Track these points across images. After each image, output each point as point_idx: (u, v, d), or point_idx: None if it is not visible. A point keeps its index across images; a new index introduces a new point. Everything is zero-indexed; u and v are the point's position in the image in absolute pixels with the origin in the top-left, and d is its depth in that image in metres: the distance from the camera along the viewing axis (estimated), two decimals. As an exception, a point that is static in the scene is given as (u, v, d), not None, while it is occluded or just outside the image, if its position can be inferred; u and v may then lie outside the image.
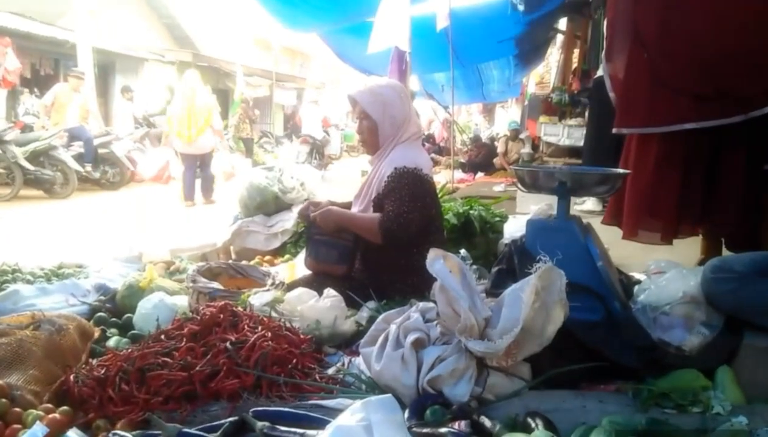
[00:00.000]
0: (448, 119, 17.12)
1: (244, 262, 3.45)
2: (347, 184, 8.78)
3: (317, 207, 2.45)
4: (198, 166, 7.46)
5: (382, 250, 2.34)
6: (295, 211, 4.08)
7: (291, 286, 2.40)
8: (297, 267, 2.97)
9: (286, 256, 3.70)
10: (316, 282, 2.36)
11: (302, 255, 2.73)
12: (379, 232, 2.27)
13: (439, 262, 1.64)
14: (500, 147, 10.64)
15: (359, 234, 2.39)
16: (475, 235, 3.23)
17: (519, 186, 2.14)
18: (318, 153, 12.85)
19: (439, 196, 3.63)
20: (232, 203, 4.38)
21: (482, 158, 10.97)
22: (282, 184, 4.12)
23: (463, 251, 2.72)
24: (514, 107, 18.62)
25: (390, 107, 2.37)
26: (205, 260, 3.57)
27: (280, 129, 19.37)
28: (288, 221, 3.99)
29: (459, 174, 10.11)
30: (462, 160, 12.00)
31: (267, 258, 3.65)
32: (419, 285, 2.27)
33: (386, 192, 2.31)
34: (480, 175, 10.19)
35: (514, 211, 4.39)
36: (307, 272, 2.54)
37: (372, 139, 2.43)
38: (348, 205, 2.58)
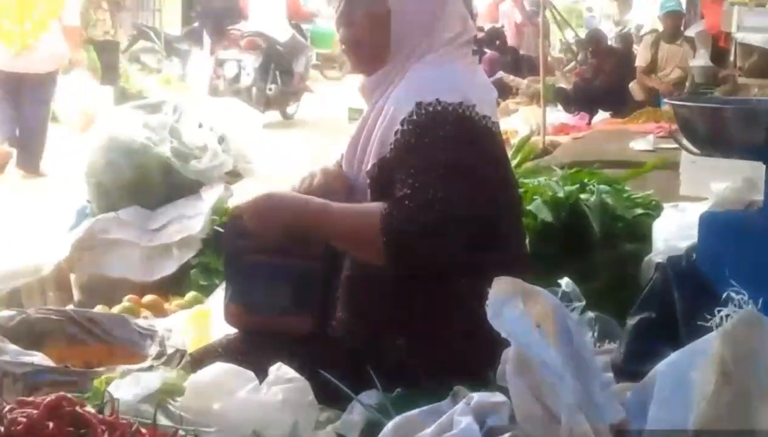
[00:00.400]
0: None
1: (99, 308, 3.40)
2: (328, 137, 8.82)
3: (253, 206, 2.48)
4: (21, 99, 7.70)
5: (387, 280, 2.35)
6: (208, 197, 4.10)
7: (200, 359, 2.45)
8: (213, 318, 2.99)
9: (190, 294, 3.75)
10: (253, 348, 2.40)
11: (221, 294, 2.76)
12: (381, 241, 2.28)
13: (511, 306, 1.65)
14: (642, 55, 10.68)
15: (340, 245, 2.40)
16: (591, 246, 3.27)
17: (683, 141, 2.13)
18: (281, 71, 13.04)
19: (514, 163, 3.58)
20: (76, 182, 4.46)
21: (605, 80, 10.99)
22: (180, 140, 4.19)
23: (566, 281, 2.74)
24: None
25: None
26: (16, 305, 3.61)
27: (177, 21, 19.61)
28: (193, 220, 4.04)
29: (558, 115, 10.11)
30: (564, 85, 12.00)
31: (149, 298, 3.69)
32: (469, 356, 2.30)
33: (399, 155, 2.33)
34: (602, 116, 10.19)
35: (673, 194, 4.38)
36: (233, 329, 2.57)
37: (373, 39, 2.46)
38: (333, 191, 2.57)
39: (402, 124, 2.31)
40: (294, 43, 13.41)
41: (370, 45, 2.47)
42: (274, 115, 13.01)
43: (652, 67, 10.41)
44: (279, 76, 12.89)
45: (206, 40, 15.23)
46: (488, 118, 2.37)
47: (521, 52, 15.70)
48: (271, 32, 13.13)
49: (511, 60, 14.99)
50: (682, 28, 10.64)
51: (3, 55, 7.63)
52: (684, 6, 11.29)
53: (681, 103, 2.09)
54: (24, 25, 7.48)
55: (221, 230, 2.64)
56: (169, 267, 4.01)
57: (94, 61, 11.80)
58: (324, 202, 2.43)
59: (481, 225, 2.32)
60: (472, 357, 2.27)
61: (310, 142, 9.45)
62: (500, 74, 13.00)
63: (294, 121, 13.33)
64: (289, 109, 13.55)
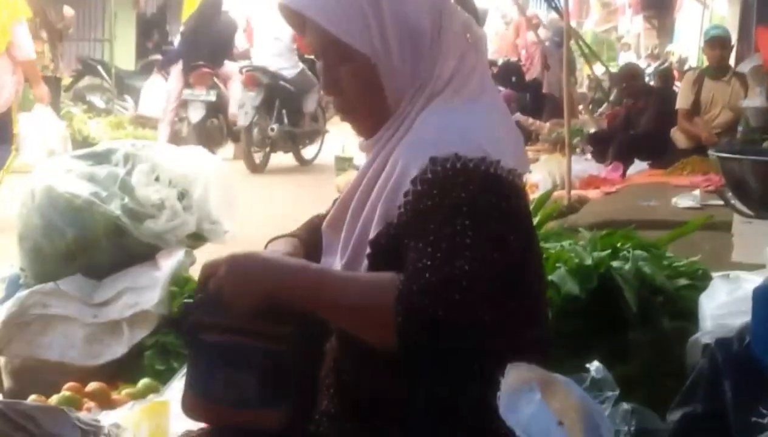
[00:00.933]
0: (553, 26, 17.43)
1: (33, 397, 3.40)
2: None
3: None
4: None
5: (386, 364, 2.33)
6: (166, 264, 4.10)
7: None
8: (171, 410, 3.01)
9: (144, 382, 3.75)
10: None
11: (181, 381, 2.76)
12: (396, 321, 2.26)
13: (528, 399, 1.68)
14: (683, 94, 10.66)
15: (339, 322, 2.39)
16: (625, 324, 3.27)
17: (733, 201, 2.16)
18: (288, 110, 13.39)
19: (534, 223, 3.61)
20: (10, 243, 4.48)
21: (642, 124, 11.02)
22: (132, 196, 4.20)
23: (595, 366, 2.75)
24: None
25: (395, 4, 2.40)
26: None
27: (130, 54, 19.93)
28: (148, 292, 4.05)
29: (586, 165, 10.14)
30: (593, 130, 12.06)
31: (93, 386, 3.66)
32: None
33: (412, 220, 2.31)
34: (639, 167, 10.23)
35: (724, 261, 4.41)
36: (194, 424, 2.56)
37: (367, 102, 2.46)
38: (310, 240, 2.64)
39: (414, 184, 2.29)
40: (303, 79, 13.62)
41: (366, 108, 2.47)
42: (287, 159, 13.61)
43: (695, 110, 10.34)
44: (286, 116, 13.25)
45: (174, 74, 15.19)
46: (514, 171, 2.35)
47: (543, 90, 15.84)
48: (276, 67, 13.54)
49: (530, 99, 15.09)
50: (731, 62, 10.64)
51: None
52: (734, 37, 11.30)
53: (730, 155, 2.09)
54: None
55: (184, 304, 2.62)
56: (118, 349, 4.00)
57: (29, 100, 11.86)
58: (321, 267, 2.43)
59: (508, 301, 2.31)
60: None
61: (313, 192, 9.50)
62: (517, 116, 13.09)
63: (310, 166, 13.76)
64: (305, 152, 14.01)
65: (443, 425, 2.34)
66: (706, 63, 10.99)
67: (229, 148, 14.35)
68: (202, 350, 2.48)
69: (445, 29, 2.43)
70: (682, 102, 10.42)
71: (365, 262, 2.36)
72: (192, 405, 2.50)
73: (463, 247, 2.20)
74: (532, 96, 15.47)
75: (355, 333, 2.36)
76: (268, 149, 13.36)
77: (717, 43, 10.58)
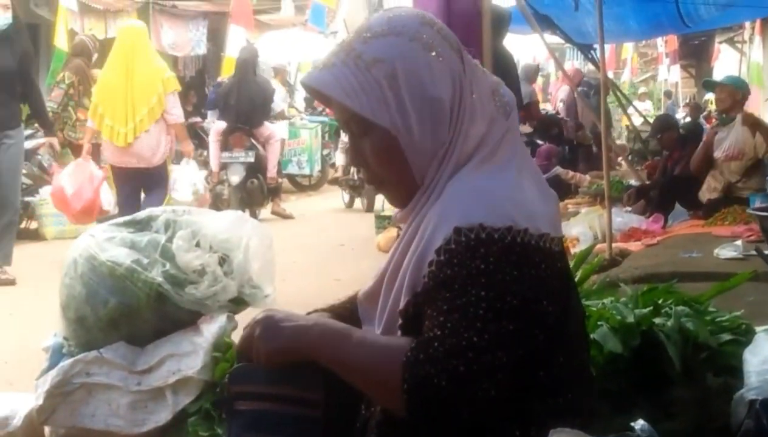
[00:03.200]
0: (588, 76, 17.38)
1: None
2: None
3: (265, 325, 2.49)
4: (140, 188, 10.97)
5: (409, 431, 2.32)
6: (208, 330, 4.10)
7: None
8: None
9: (188, 449, 3.75)
10: None
11: None
12: (402, 388, 2.26)
13: None
14: (704, 144, 10.55)
15: (354, 383, 2.39)
16: (669, 381, 3.25)
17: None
18: None
19: (578, 278, 3.59)
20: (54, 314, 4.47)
21: (681, 174, 10.95)
22: (173, 263, 4.20)
23: (640, 424, 2.69)
24: (760, 43, 18.76)
25: (414, 77, 2.40)
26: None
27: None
28: (191, 358, 4.04)
29: (627, 217, 10.10)
30: (634, 182, 12.00)
31: (138, 455, 3.67)
32: None
33: (432, 289, 2.31)
34: (680, 215, 10.18)
35: (768, 312, 4.36)
36: None
37: (393, 174, 2.48)
38: (346, 313, 2.64)
39: (438, 254, 2.29)
40: None
41: (393, 179, 2.49)
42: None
43: (709, 160, 10.33)
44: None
45: (212, 137, 15.42)
46: (546, 236, 2.35)
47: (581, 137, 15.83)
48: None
49: (569, 151, 15.07)
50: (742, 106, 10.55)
51: (112, 152, 10.91)
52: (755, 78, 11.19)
53: (764, 214, 2.08)
54: (128, 126, 10.49)
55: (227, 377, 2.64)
56: (162, 416, 3.99)
57: (69, 158, 12.28)
58: (343, 327, 2.43)
59: (529, 371, 2.30)
60: None
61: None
62: (557, 170, 13.06)
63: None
64: None
65: None
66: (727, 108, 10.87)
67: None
68: (235, 419, 2.50)
69: (468, 96, 2.43)
70: (701, 149, 10.42)
71: (398, 333, 2.37)
72: None
73: (474, 319, 2.20)
74: (571, 148, 15.43)
75: (370, 396, 2.37)
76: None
77: (719, 89, 10.75)
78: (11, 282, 9.80)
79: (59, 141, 11.08)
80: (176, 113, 10.94)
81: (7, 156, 10.16)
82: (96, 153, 11.98)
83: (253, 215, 13.78)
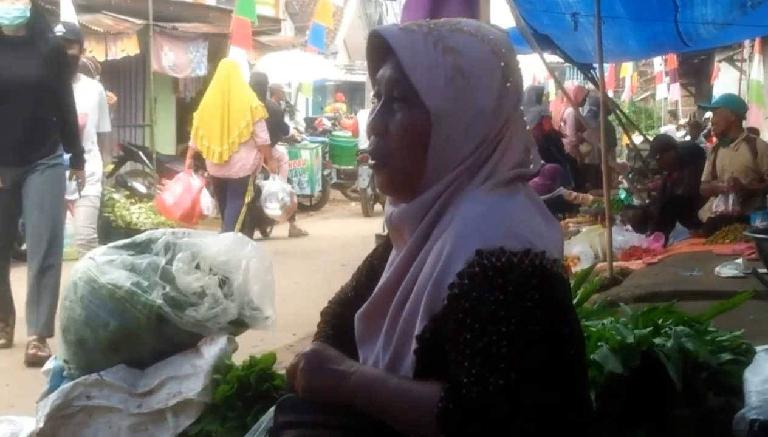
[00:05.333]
0: (591, 97, 17.45)
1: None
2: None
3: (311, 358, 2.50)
4: (227, 196, 12.86)
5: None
6: (208, 352, 4.10)
7: None
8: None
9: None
10: None
11: None
12: (439, 434, 2.25)
13: None
14: (705, 167, 10.53)
15: (394, 425, 2.37)
16: (669, 402, 3.24)
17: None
18: None
19: (575, 300, 3.59)
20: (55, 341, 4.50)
21: (680, 192, 10.95)
22: (173, 285, 4.21)
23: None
24: (759, 61, 18.79)
25: (478, 84, 2.41)
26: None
27: (170, 137, 20.30)
28: (191, 380, 4.05)
29: (627, 235, 10.10)
30: (635, 201, 11.99)
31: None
32: None
33: (454, 318, 2.29)
34: (680, 234, 10.17)
35: (768, 330, 4.35)
36: None
37: (407, 149, 2.45)
38: (329, 341, 2.66)
39: (460, 277, 2.27)
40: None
41: (402, 159, 2.45)
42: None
43: (712, 177, 10.33)
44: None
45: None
46: (558, 261, 2.35)
47: (586, 160, 15.85)
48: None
49: (571, 170, 15.08)
50: (742, 128, 10.55)
51: (210, 166, 12.82)
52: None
53: (764, 236, 2.08)
54: (222, 146, 12.48)
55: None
56: (161, 440, 3.98)
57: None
58: (379, 375, 2.42)
59: (555, 397, 2.29)
60: None
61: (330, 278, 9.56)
62: (560, 191, 13.07)
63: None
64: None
65: None
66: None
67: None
68: None
69: (507, 134, 2.44)
70: (704, 175, 10.41)
71: (412, 357, 2.34)
72: None
73: (498, 359, 2.19)
74: (572, 167, 15.46)
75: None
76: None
77: (717, 111, 10.68)
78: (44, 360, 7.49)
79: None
80: (263, 136, 12.82)
81: (42, 181, 8.00)
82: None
83: (264, 235, 15.88)
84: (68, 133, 8.21)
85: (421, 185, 2.43)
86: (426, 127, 2.40)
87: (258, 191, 14.41)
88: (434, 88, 2.38)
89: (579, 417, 2.37)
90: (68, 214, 9.61)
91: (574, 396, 2.36)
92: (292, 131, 18.30)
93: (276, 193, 14.63)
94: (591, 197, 12.94)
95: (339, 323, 2.77)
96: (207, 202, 13.84)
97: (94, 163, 9.72)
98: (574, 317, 2.43)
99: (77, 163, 8.41)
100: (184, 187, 13.62)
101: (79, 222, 9.69)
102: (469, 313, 2.24)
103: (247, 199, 13.15)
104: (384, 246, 2.72)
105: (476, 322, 2.23)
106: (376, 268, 2.70)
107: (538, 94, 16.69)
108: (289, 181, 18.63)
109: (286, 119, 18.11)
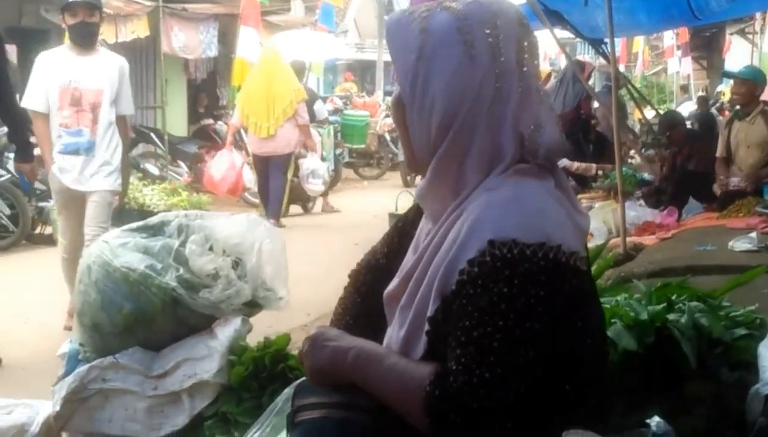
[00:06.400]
0: (602, 72, 17.23)
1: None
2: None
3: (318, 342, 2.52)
4: (269, 172, 14.16)
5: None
6: (223, 333, 4.13)
7: None
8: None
9: (206, 453, 3.76)
10: None
11: None
12: (426, 417, 2.26)
13: None
14: (720, 140, 10.51)
15: (387, 405, 2.38)
16: (684, 378, 3.25)
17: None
18: None
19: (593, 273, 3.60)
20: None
21: (691, 167, 10.89)
22: (186, 267, 4.22)
23: (656, 421, 2.75)
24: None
25: (439, 65, 2.38)
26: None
27: (182, 119, 20.29)
28: (206, 361, 4.07)
29: (641, 210, 10.07)
30: (647, 177, 11.95)
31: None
32: None
33: (458, 303, 2.30)
34: (694, 208, 10.13)
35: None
36: None
37: (401, 137, 2.52)
38: (347, 328, 2.67)
39: (471, 264, 2.28)
40: None
41: (402, 140, 2.50)
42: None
43: (729, 155, 10.27)
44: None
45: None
46: (576, 254, 2.32)
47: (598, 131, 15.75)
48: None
49: (584, 143, 14.97)
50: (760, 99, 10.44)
51: (255, 142, 14.15)
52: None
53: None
54: (269, 121, 13.82)
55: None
56: (179, 420, 4.03)
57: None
58: (377, 351, 2.43)
59: (551, 392, 2.28)
60: None
61: (341, 255, 9.56)
62: (564, 162, 12.98)
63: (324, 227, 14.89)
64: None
65: None
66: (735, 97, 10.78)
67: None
68: (295, 430, 2.52)
69: (508, 103, 2.39)
70: (719, 149, 10.34)
71: (424, 339, 2.36)
72: None
73: (489, 352, 2.19)
74: (585, 140, 15.35)
75: (400, 415, 2.34)
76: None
77: (738, 82, 10.57)
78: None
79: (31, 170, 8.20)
80: (304, 116, 14.30)
81: None
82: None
83: (306, 210, 16.67)
84: (8, 121, 7.83)
85: (422, 166, 2.46)
86: (403, 108, 2.45)
87: (296, 169, 15.30)
88: (404, 70, 2.41)
89: (595, 396, 2.37)
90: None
91: (575, 390, 2.35)
92: (325, 114, 18.44)
93: (317, 169, 15.57)
94: (594, 166, 12.83)
95: (367, 290, 2.81)
96: (249, 177, 15.15)
97: (108, 150, 8.11)
98: (588, 310, 2.40)
99: (23, 155, 7.91)
100: (229, 164, 15.03)
101: (86, 220, 8.03)
102: (471, 301, 2.24)
103: (290, 175, 14.58)
104: (415, 211, 2.73)
105: (476, 311, 2.23)
106: (406, 234, 2.72)
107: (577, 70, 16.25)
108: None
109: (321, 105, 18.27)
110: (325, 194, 16.60)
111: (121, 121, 8.27)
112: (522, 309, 2.22)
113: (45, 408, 4.21)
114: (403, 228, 2.79)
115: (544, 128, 2.41)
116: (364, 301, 2.81)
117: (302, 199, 16.39)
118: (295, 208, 16.08)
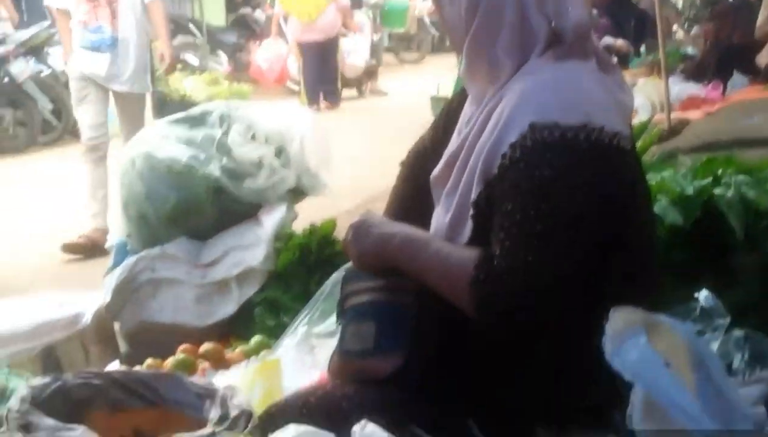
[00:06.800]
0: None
1: (149, 361, 3.46)
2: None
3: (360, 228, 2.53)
4: (317, 58, 14.83)
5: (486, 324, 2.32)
6: (268, 221, 4.15)
7: (270, 420, 2.47)
8: (282, 368, 3.04)
9: (256, 339, 3.76)
10: (334, 404, 2.41)
11: (294, 338, 2.91)
12: (473, 304, 2.26)
13: (634, 342, 1.66)
14: (762, 11, 10.28)
15: (433, 288, 2.39)
16: (731, 251, 3.24)
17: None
18: None
19: (638, 149, 3.57)
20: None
21: (735, 40, 10.73)
22: (230, 156, 4.24)
23: (704, 295, 2.74)
24: None
25: None
26: (53, 365, 3.70)
27: (220, 10, 20.04)
28: (253, 249, 4.09)
29: (685, 86, 9.94)
30: (690, 51, 11.78)
31: (207, 347, 3.69)
32: (589, 399, 2.29)
33: (502, 188, 2.29)
34: (739, 82, 10.00)
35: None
36: (307, 381, 2.66)
37: (444, 28, 2.53)
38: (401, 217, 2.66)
39: (513, 148, 2.27)
40: None
41: (441, 24, 2.52)
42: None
43: None
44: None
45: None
46: (620, 134, 2.30)
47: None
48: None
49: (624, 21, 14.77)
50: None
51: (298, 29, 14.76)
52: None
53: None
54: (310, 5, 14.48)
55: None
56: (228, 308, 4.06)
57: None
58: (423, 236, 2.44)
59: (596, 270, 2.28)
60: (594, 399, 2.27)
61: (385, 140, 9.56)
62: (606, 40, 12.82)
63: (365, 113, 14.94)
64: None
65: (556, 373, 2.34)
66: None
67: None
68: (345, 314, 2.57)
69: None
70: (760, 18, 10.13)
71: (469, 223, 2.36)
72: (331, 366, 2.59)
73: (532, 236, 2.20)
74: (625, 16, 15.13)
75: (448, 299, 2.35)
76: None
77: None
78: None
79: None
80: (344, 1, 15.37)
81: None
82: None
83: (360, 93, 17.03)
84: None
85: (458, 49, 2.46)
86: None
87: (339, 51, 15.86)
88: None
89: (643, 273, 2.38)
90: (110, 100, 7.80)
91: (622, 269, 2.35)
92: None
93: (358, 50, 16.38)
94: (627, 44, 12.63)
95: (414, 175, 2.80)
96: (293, 65, 15.68)
97: (136, 48, 7.60)
98: (633, 189, 2.39)
99: None
100: (275, 52, 15.97)
101: (119, 121, 7.68)
102: (514, 185, 2.24)
103: (339, 57, 15.32)
104: (460, 96, 2.72)
105: (519, 195, 2.23)
106: (451, 118, 2.69)
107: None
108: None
109: None
110: (373, 76, 16.87)
111: (152, 7, 7.83)
112: (564, 193, 2.21)
113: (96, 299, 4.25)
114: (448, 113, 2.78)
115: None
116: (414, 188, 2.81)
117: (354, 82, 16.69)
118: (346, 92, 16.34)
